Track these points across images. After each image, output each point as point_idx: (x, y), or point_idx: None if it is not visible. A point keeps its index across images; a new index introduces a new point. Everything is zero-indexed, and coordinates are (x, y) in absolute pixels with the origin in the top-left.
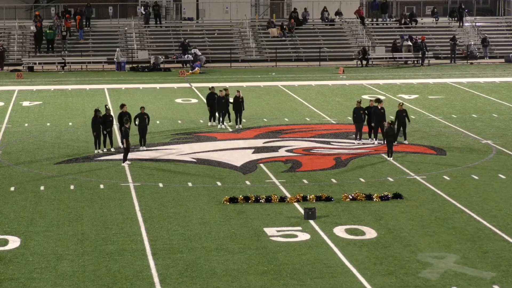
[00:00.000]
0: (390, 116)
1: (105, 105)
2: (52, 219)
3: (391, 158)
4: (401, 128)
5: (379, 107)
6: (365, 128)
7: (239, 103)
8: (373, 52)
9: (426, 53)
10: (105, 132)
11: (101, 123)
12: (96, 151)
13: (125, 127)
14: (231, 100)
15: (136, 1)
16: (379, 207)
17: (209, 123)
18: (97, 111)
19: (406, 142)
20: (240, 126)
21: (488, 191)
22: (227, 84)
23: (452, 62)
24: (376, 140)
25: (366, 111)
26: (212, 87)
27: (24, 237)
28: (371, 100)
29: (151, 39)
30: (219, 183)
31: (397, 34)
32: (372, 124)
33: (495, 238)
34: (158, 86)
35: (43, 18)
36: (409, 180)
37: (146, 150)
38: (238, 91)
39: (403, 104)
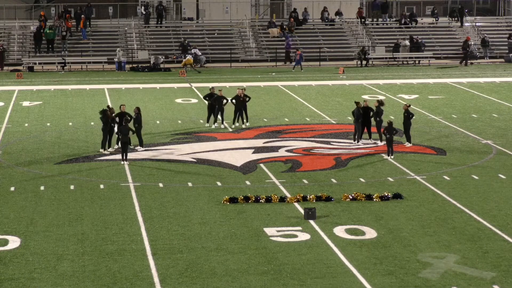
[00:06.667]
0: (391, 116)
1: (108, 106)
2: (52, 219)
3: (391, 157)
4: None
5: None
6: (373, 129)
7: (239, 102)
8: (373, 52)
9: (468, 53)
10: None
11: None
12: (105, 151)
13: (123, 126)
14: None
15: (136, 1)
16: (379, 207)
17: (206, 125)
18: (105, 110)
19: (406, 144)
20: (239, 125)
21: (488, 191)
22: (227, 84)
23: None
24: (381, 141)
25: (371, 111)
26: (212, 88)
27: (24, 237)
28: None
29: (151, 39)
30: (219, 183)
31: (397, 34)
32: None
33: (495, 238)
34: (158, 86)
35: (47, 18)
36: (409, 180)
37: (143, 150)
38: (238, 89)
39: (409, 106)
